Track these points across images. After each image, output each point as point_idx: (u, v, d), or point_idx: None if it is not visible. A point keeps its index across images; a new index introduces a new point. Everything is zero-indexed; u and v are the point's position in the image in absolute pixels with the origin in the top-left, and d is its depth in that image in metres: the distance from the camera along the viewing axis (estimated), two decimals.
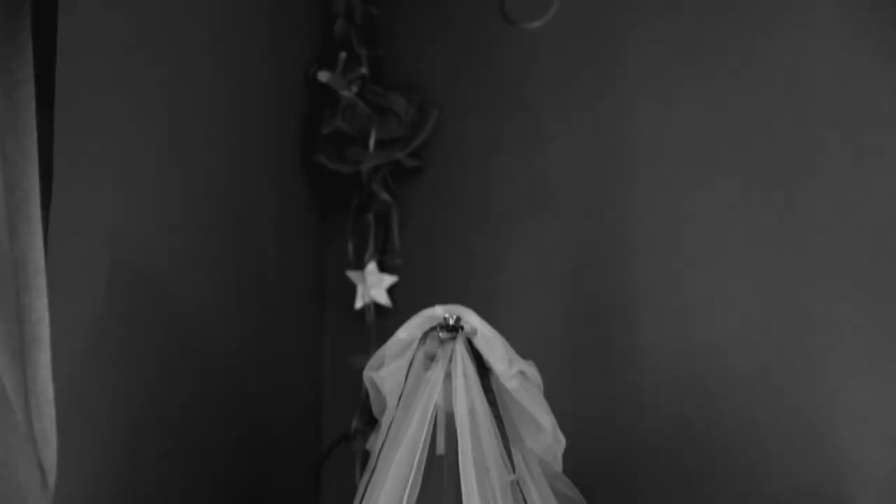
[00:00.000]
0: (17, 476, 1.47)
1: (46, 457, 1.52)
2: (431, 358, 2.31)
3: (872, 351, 2.70)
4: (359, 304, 3.20)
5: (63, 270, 2.01)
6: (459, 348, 2.27)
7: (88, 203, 2.20)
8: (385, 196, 3.26)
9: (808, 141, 2.89)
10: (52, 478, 1.54)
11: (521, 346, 2.37)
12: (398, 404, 2.29)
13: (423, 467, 2.18)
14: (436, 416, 2.25)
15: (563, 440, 2.35)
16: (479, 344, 2.29)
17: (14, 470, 1.46)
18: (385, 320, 3.09)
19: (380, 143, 3.24)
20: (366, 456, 2.69)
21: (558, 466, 2.39)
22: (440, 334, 2.29)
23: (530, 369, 2.32)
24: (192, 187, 2.65)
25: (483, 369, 2.29)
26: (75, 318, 2.12)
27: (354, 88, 3.24)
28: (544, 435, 2.33)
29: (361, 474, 2.46)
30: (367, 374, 2.36)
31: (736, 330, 2.84)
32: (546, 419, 2.31)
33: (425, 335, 2.31)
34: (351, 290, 3.22)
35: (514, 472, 2.21)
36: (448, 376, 2.26)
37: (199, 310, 2.65)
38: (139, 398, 2.35)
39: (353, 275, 3.22)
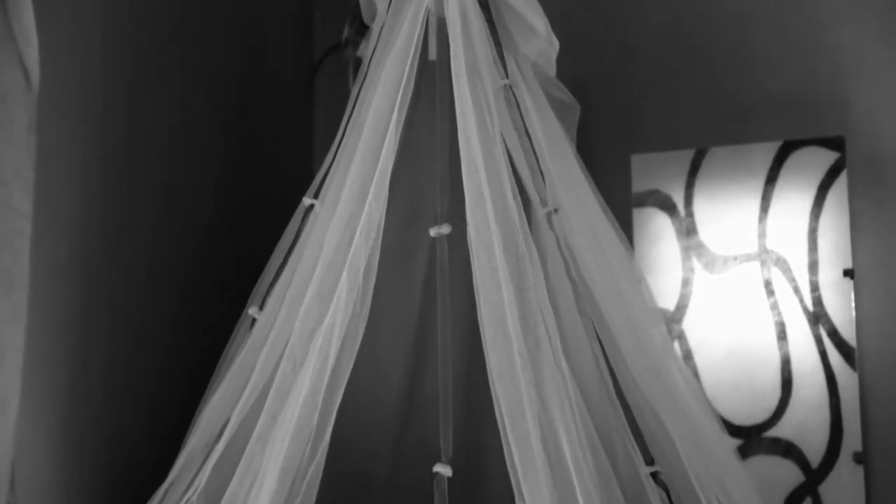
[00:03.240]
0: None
1: (28, 56, 1.48)
2: None
3: None
4: None
5: None
6: None
7: None
8: None
9: None
10: (35, 78, 1.51)
11: None
12: (388, 9, 2.24)
13: (415, 73, 2.16)
14: (427, 21, 2.21)
15: (556, 43, 2.32)
16: None
17: None
18: None
19: None
20: (358, 63, 2.66)
21: (552, 70, 2.37)
22: None
23: None
24: None
25: None
26: None
27: None
28: (538, 39, 2.30)
29: (353, 82, 2.44)
30: None
31: None
32: (539, 23, 2.27)
33: None
34: None
35: (507, 77, 2.19)
36: None
37: None
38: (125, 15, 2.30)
39: None
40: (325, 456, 1.83)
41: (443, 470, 1.96)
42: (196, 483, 1.96)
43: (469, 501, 2.60)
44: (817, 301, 2.59)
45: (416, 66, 2.16)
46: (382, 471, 2.65)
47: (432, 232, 2.13)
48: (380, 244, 2.05)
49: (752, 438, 2.59)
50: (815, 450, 2.56)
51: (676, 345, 2.63)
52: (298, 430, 1.83)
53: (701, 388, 2.37)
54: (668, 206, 2.71)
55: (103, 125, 2.19)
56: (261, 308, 2.11)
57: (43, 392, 1.93)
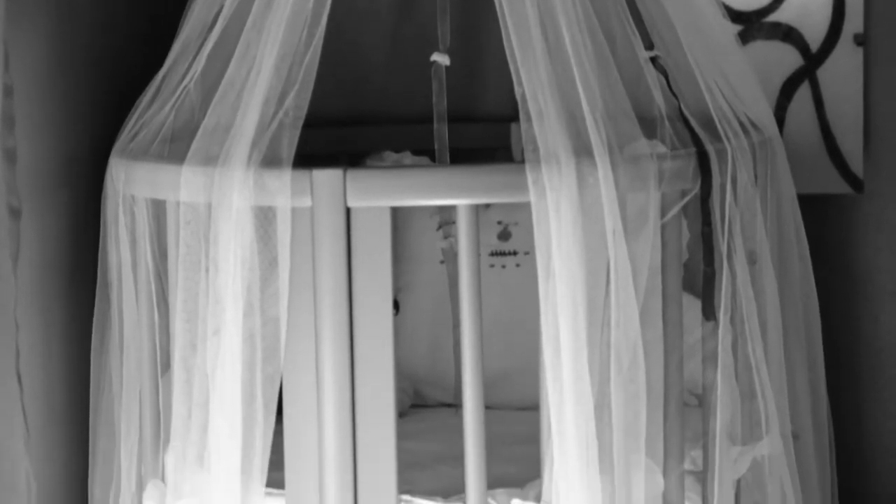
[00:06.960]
0: None
1: None
2: None
3: None
4: None
5: None
6: None
7: None
8: None
9: None
10: None
11: None
12: None
13: None
14: None
15: None
16: None
17: None
18: None
19: None
20: None
21: None
22: None
23: None
24: None
25: None
26: None
27: None
28: None
29: None
30: None
31: None
32: None
33: None
34: None
35: None
36: None
37: None
38: None
39: None
40: (321, 42, 1.81)
41: (441, 59, 1.95)
42: (192, 70, 1.96)
43: (467, 89, 2.63)
44: None
45: None
46: (380, 60, 2.66)
47: None
48: None
49: (752, 23, 2.57)
50: (815, 33, 2.55)
51: None
52: (294, 17, 1.79)
53: None
54: None
55: None
56: None
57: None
